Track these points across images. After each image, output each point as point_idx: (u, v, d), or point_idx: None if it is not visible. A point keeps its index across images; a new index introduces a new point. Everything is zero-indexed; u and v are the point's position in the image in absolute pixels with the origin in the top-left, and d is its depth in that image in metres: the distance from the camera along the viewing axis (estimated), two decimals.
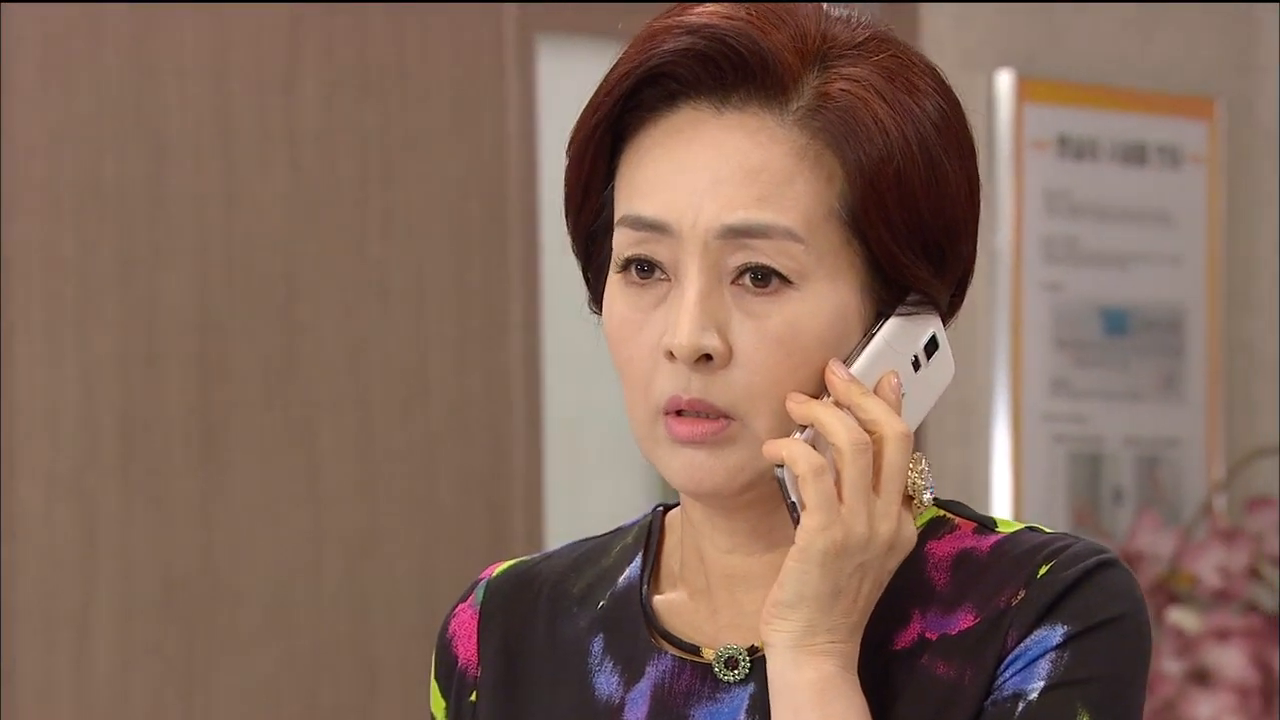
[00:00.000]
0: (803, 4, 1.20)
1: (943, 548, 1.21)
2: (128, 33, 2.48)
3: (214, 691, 2.50)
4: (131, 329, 2.48)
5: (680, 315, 1.18)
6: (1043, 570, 1.18)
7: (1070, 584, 1.17)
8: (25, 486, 2.43)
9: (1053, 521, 2.87)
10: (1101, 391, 2.92)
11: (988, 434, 2.86)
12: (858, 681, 1.17)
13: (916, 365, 1.20)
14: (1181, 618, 2.72)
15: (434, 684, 1.28)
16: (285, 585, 2.55)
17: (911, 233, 1.19)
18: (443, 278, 2.64)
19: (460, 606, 1.29)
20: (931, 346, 1.20)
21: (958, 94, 1.26)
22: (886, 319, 1.20)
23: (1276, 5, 3.00)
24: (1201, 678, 2.72)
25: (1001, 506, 2.85)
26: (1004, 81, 2.87)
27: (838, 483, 1.16)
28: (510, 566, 1.29)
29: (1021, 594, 1.17)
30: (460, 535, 2.64)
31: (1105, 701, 1.16)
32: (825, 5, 1.21)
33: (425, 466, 2.62)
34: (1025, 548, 1.19)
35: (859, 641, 1.17)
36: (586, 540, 1.29)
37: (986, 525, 1.22)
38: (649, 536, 1.27)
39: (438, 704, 1.28)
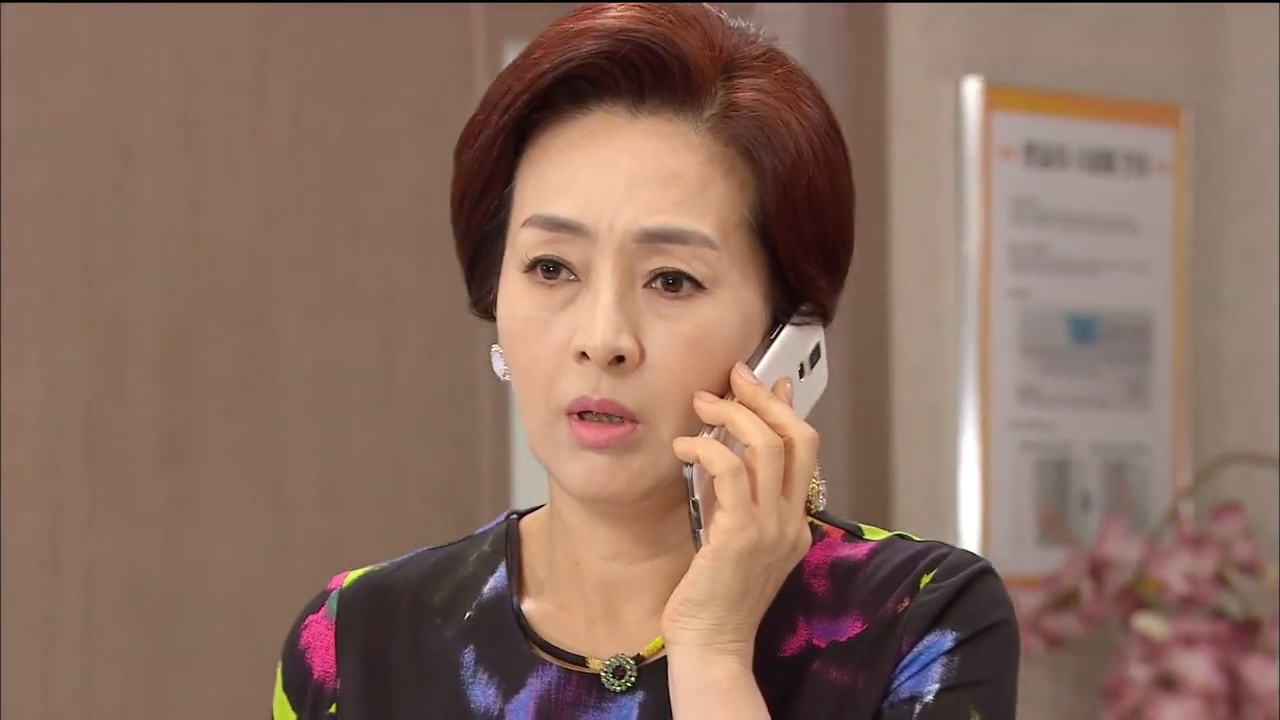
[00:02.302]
0: (707, 11, 1.21)
1: (817, 555, 1.23)
2: (94, 36, 2.47)
3: (180, 698, 2.49)
4: (97, 334, 2.47)
5: (595, 317, 1.18)
6: (926, 579, 1.22)
7: (955, 592, 1.21)
8: None
9: (1021, 528, 2.88)
10: (1069, 398, 2.92)
11: (955, 441, 2.86)
12: (754, 681, 1.19)
13: (802, 373, 1.23)
14: (1148, 624, 2.73)
15: (282, 695, 1.28)
16: (252, 591, 2.54)
17: (815, 242, 1.21)
18: (410, 283, 2.63)
19: (311, 618, 1.28)
20: (815, 355, 1.23)
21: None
22: (783, 326, 1.22)
23: (1244, 11, 3.01)
24: (1168, 684, 2.73)
25: (969, 513, 2.86)
26: (971, 89, 2.87)
27: (750, 483, 1.17)
28: (362, 576, 1.28)
29: (908, 602, 1.21)
30: (428, 539, 2.63)
31: (992, 701, 1.20)
32: (725, 15, 1.22)
33: (393, 472, 2.61)
34: (903, 556, 1.23)
35: (753, 642, 1.19)
36: (437, 549, 1.29)
37: (854, 532, 1.25)
38: (508, 544, 1.26)
39: (287, 715, 1.27)
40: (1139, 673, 2.72)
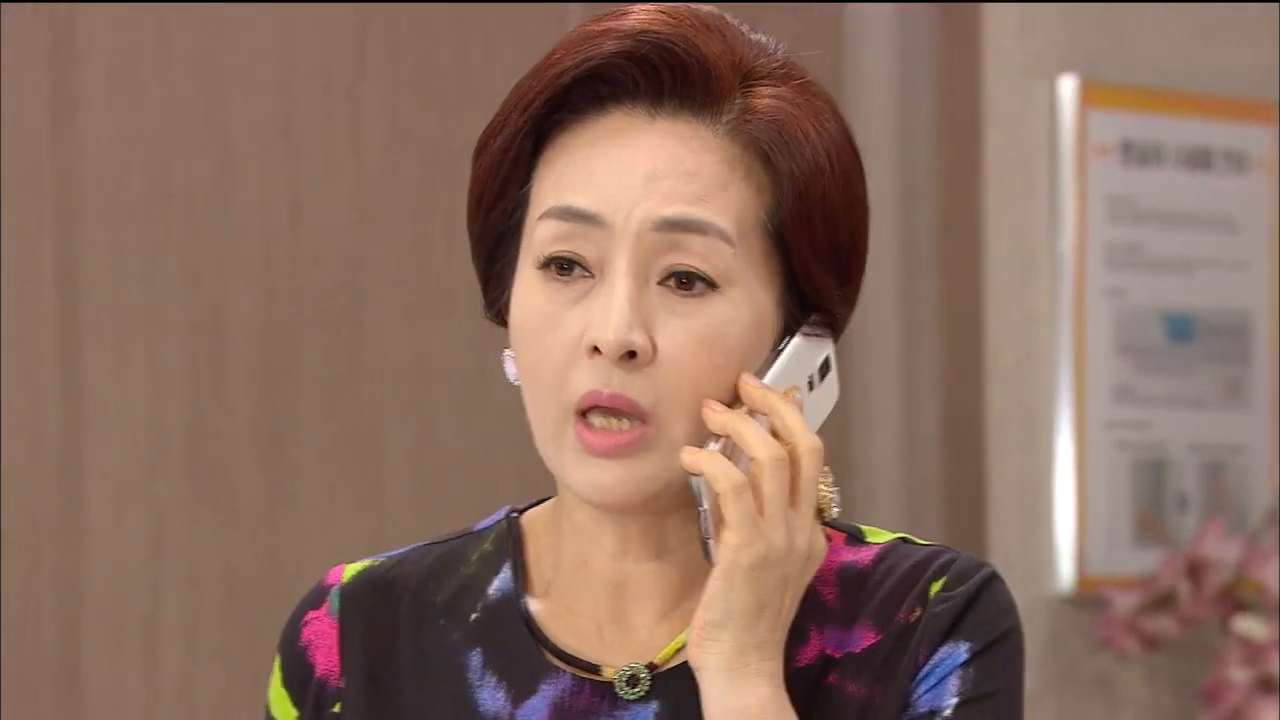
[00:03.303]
0: (727, 19, 1.22)
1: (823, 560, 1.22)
2: (194, 41, 2.50)
3: None
4: (198, 335, 2.50)
5: (610, 310, 1.17)
6: (935, 587, 1.21)
7: (967, 601, 1.21)
8: (94, 492, 2.45)
9: (1117, 529, 2.86)
10: (1165, 398, 2.90)
11: (1050, 441, 2.84)
12: (788, 701, 1.18)
13: (811, 385, 1.22)
14: (1248, 626, 2.71)
15: (282, 691, 1.27)
16: None
17: (828, 250, 1.21)
18: None
19: (312, 613, 1.27)
20: (825, 368, 1.23)
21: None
22: (793, 335, 1.21)
23: None
24: (1269, 686, 2.70)
25: (1065, 514, 2.84)
26: (1067, 87, 2.86)
27: (755, 495, 1.17)
28: (361, 571, 1.27)
29: (919, 611, 1.21)
30: None
31: (1007, 711, 1.21)
32: (745, 26, 1.23)
33: (487, 471, 2.63)
34: (910, 563, 1.22)
35: (782, 658, 1.18)
36: (435, 544, 1.28)
37: (855, 535, 1.24)
38: (511, 543, 1.25)
39: (287, 713, 1.26)
40: (1238, 675, 2.70)
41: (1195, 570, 2.77)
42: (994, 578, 1.22)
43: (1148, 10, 2.90)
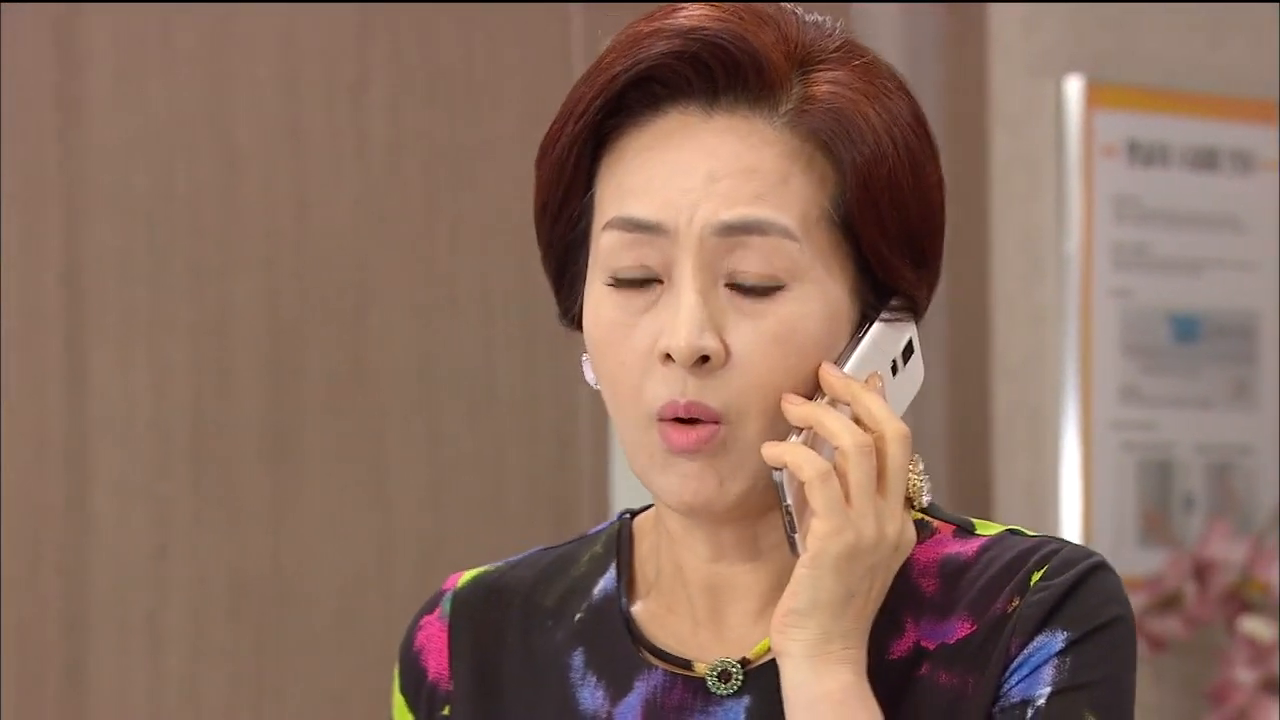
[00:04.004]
0: (781, 7, 1.20)
1: (926, 553, 1.21)
2: (199, 41, 2.50)
3: (285, 696, 2.51)
4: (203, 336, 2.50)
5: (679, 317, 1.17)
6: (1036, 576, 1.19)
7: (1067, 589, 1.18)
8: (99, 492, 2.45)
9: (1123, 529, 2.86)
10: (1172, 399, 2.90)
11: (1056, 442, 2.84)
12: (869, 689, 1.17)
13: (894, 370, 1.20)
14: (1254, 627, 2.70)
15: (399, 697, 1.27)
16: (354, 589, 2.56)
17: (900, 235, 1.19)
18: (509, 283, 2.64)
19: (426, 618, 1.28)
20: (908, 351, 1.21)
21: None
22: (872, 322, 1.20)
23: None
24: (1274, 687, 2.70)
25: (1071, 514, 2.84)
26: (1073, 87, 2.85)
27: (841, 483, 1.16)
28: (476, 576, 1.28)
29: (1017, 601, 1.18)
30: (528, 540, 2.63)
31: (1108, 703, 1.18)
32: (800, 10, 1.21)
33: (493, 471, 2.63)
34: (1014, 553, 1.20)
35: (866, 647, 1.17)
36: (550, 549, 1.28)
37: (965, 528, 1.23)
38: (619, 545, 1.25)
39: (404, 717, 1.27)
40: (1244, 676, 2.70)
41: (1201, 571, 2.77)
42: (1099, 567, 1.19)
43: (1154, 10, 2.90)
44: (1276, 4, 2.95)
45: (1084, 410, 2.85)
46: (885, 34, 2.81)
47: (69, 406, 2.44)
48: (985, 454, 2.84)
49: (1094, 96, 2.87)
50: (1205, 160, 2.94)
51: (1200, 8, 2.91)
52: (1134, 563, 2.84)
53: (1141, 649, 2.80)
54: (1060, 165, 2.86)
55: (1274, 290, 2.96)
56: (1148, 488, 2.88)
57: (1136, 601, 2.77)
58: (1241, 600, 2.76)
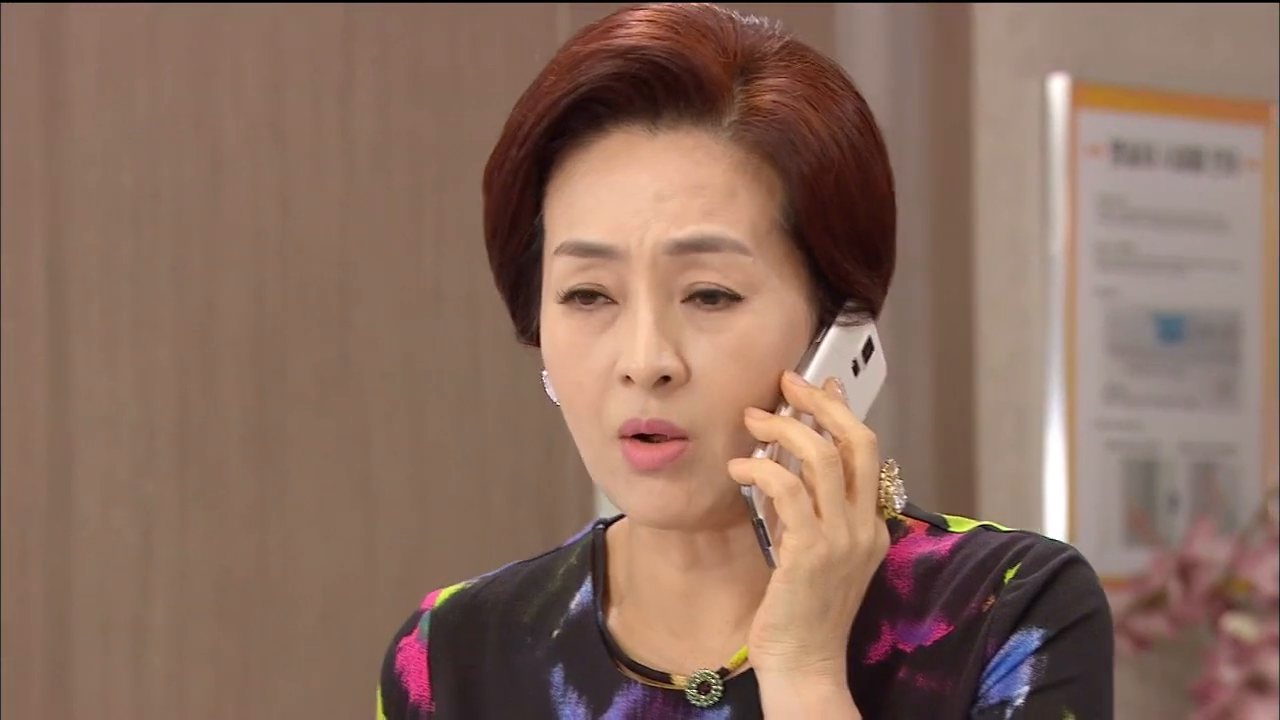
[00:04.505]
0: (717, 14, 1.20)
1: (900, 553, 1.21)
2: (184, 41, 2.50)
3: (271, 694, 2.51)
4: (188, 335, 2.50)
5: (636, 338, 1.16)
6: (1009, 574, 1.18)
7: (1041, 587, 1.17)
8: (83, 492, 2.44)
9: (1108, 528, 2.86)
10: (1156, 398, 2.90)
11: (1041, 441, 2.84)
12: (850, 698, 1.16)
13: (856, 370, 1.20)
14: (1239, 626, 2.71)
15: (382, 718, 1.27)
16: (339, 589, 2.56)
17: (851, 238, 1.19)
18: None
19: (406, 639, 1.27)
20: (868, 349, 1.21)
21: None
22: (829, 326, 1.20)
23: None
24: (1259, 686, 2.70)
25: (1056, 513, 2.84)
26: (1058, 87, 2.86)
27: (811, 496, 1.15)
28: (453, 595, 1.27)
29: (992, 600, 1.18)
30: (513, 541, 2.64)
31: (1085, 699, 1.17)
32: (737, 14, 1.21)
33: (479, 471, 2.63)
34: (987, 550, 1.19)
35: (845, 655, 1.17)
36: (526, 562, 1.28)
37: (939, 525, 1.22)
38: (594, 557, 1.25)
39: None
40: (1229, 674, 2.70)
41: (1186, 570, 2.77)
42: (1072, 561, 1.18)
43: (1139, 10, 2.90)
44: (1263, 2, 2.96)
45: (1069, 409, 2.85)
46: (870, 34, 2.81)
47: (53, 406, 2.44)
48: (970, 453, 2.84)
49: (1079, 96, 2.87)
50: (1190, 160, 2.95)
51: (1185, 7, 2.92)
52: (1118, 562, 2.84)
53: (1126, 648, 2.81)
54: (1045, 165, 2.86)
55: (1258, 290, 2.96)
56: (1132, 487, 2.89)
57: (1121, 600, 2.77)
58: (1226, 599, 2.77)
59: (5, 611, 2.41)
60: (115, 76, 2.47)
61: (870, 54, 2.80)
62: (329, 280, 2.57)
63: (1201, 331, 2.93)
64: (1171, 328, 2.92)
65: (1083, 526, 2.85)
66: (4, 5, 2.41)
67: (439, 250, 2.63)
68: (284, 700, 2.52)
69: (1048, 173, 2.87)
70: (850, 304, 1.20)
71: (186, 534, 2.48)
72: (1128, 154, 2.91)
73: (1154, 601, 2.78)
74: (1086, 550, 1.18)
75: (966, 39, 2.82)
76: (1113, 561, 2.84)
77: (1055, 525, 2.84)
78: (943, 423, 2.85)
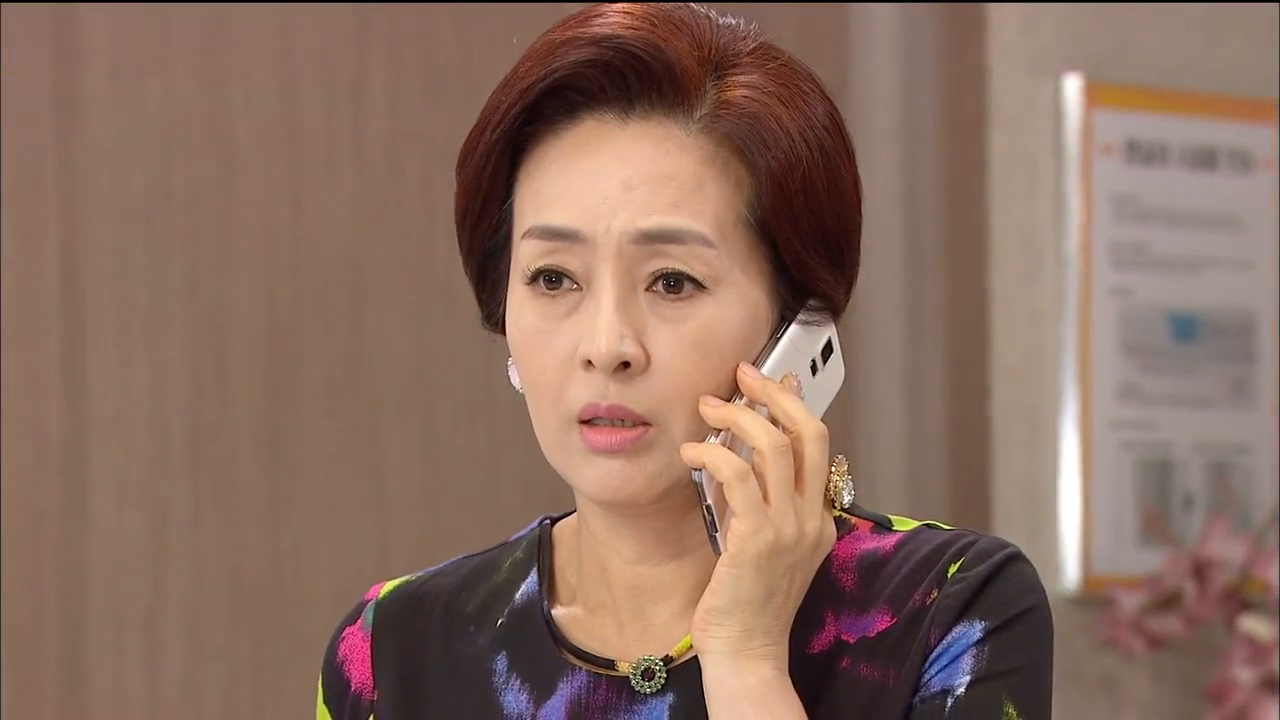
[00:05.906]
0: (695, 11, 1.21)
1: (845, 548, 1.23)
2: (196, 40, 2.50)
3: (283, 694, 2.51)
4: (201, 334, 2.50)
5: (598, 324, 1.17)
6: (953, 568, 1.20)
7: (983, 580, 1.20)
8: (97, 490, 2.45)
9: (1123, 528, 2.85)
10: (1170, 398, 2.90)
11: (1055, 441, 2.84)
12: (791, 684, 1.18)
13: (814, 369, 1.21)
14: (1253, 625, 2.70)
15: (323, 707, 1.28)
16: (352, 590, 2.55)
17: (816, 237, 1.20)
18: None
19: (349, 629, 1.28)
20: (827, 351, 1.22)
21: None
22: (790, 323, 1.21)
23: None
24: (1274, 685, 2.70)
25: (1070, 514, 2.84)
26: (1072, 86, 2.85)
27: (760, 484, 1.17)
28: (397, 586, 1.28)
29: (935, 593, 1.20)
30: None
31: (1025, 690, 1.20)
32: (714, 13, 1.22)
33: (491, 471, 2.63)
34: (931, 546, 1.21)
35: (787, 643, 1.18)
36: (471, 556, 1.29)
37: (883, 524, 1.24)
38: (540, 550, 1.26)
39: None
40: (1244, 674, 2.70)
41: (1200, 570, 2.77)
42: (1014, 558, 1.21)
43: (1152, 9, 2.90)
44: (1275, 3, 2.95)
45: (1083, 409, 2.85)
46: (884, 34, 2.80)
47: (67, 405, 2.44)
48: (984, 453, 2.83)
49: (1092, 96, 2.87)
50: (1204, 159, 2.94)
51: (1199, 7, 2.91)
52: (1133, 562, 2.83)
53: (1140, 647, 2.80)
54: (1059, 164, 2.86)
55: (1273, 289, 2.95)
56: (1147, 487, 2.88)
57: (1136, 600, 2.77)
58: (1241, 599, 2.76)
59: (19, 611, 2.41)
60: (127, 76, 2.48)
61: (884, 54, 2.79)
62: (341, 280, 2.57)
63: (1216, 331, 2.93)
64: (1186, 327, 2.92)
65: (1097, 526, 2.84)
66: (16, 4, 2.42)
67: (451, 249, 2.62)
68: (296, 700, 2.52)
69: (1061, 172, 2.86)
70: (813, 303, 1.22)
71: (199, 533, 2.49)
72: (1142, 153, 2.91)
73: (1169, 601, 2.77)
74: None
75: (980, 39, 2.82)
76: (1127, 561, 2.83)
77: (1069, 525, 2.84)
78: (956, 422, 2.84)
